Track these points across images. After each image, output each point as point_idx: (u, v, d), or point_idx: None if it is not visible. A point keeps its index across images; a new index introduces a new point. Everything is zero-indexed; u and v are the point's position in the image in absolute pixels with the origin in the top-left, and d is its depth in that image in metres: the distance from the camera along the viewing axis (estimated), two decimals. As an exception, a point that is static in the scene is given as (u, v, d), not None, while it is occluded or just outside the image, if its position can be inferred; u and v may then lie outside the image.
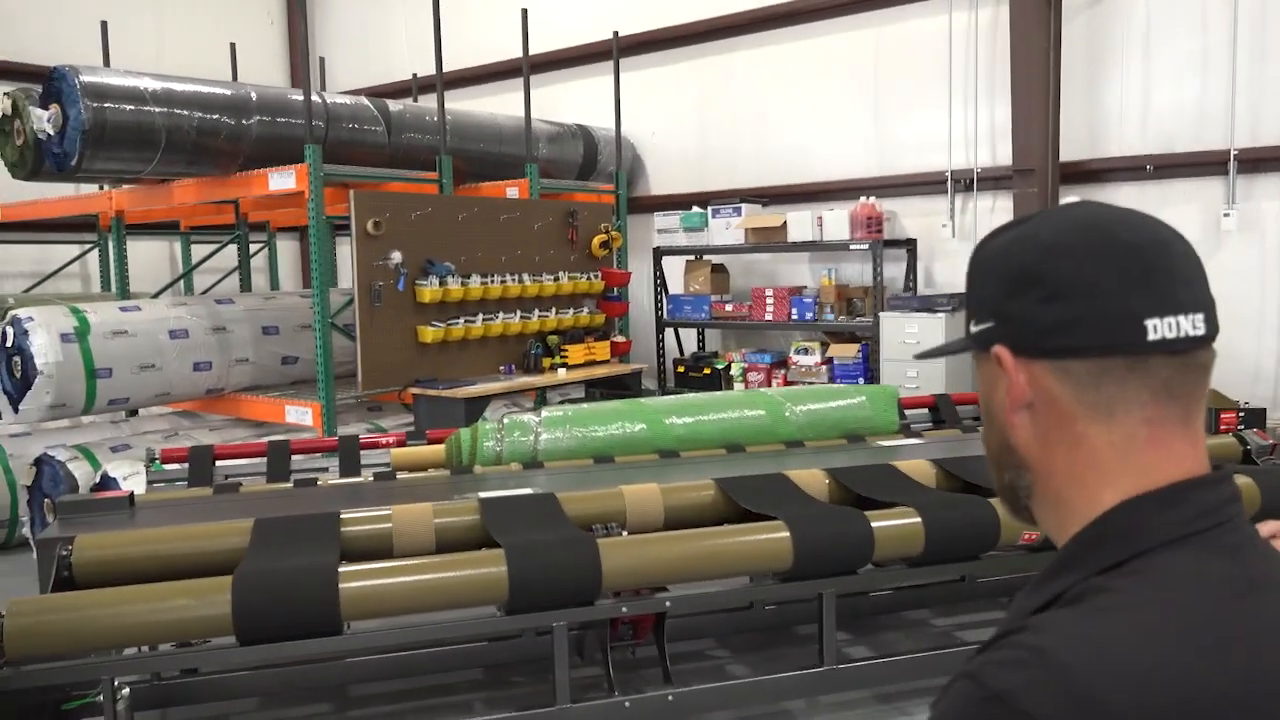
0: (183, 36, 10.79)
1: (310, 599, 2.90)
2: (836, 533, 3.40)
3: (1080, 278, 0.83)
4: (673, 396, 5.05)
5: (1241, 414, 4.87)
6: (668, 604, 3.32)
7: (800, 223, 7.23)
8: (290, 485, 4.24)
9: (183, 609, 2.84)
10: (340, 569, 2.98)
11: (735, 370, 7.74)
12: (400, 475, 4.39)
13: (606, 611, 3.25)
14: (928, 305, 6.68)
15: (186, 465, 4.47)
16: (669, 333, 8.35)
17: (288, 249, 12.56)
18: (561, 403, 7.13)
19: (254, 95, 6.27)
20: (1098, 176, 6.63)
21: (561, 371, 6.97)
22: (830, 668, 3.50)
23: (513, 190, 7.48)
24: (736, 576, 3.40)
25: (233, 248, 8.51)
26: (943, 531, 3.49)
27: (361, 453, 4.71)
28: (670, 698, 3.34)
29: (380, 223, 5.99)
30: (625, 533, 3.74)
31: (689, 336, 8.68)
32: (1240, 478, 3.89)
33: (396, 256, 6.01)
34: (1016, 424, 0.88)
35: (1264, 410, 4.87)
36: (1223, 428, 4.82)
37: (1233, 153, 6.04)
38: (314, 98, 6.31)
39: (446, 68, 10.04)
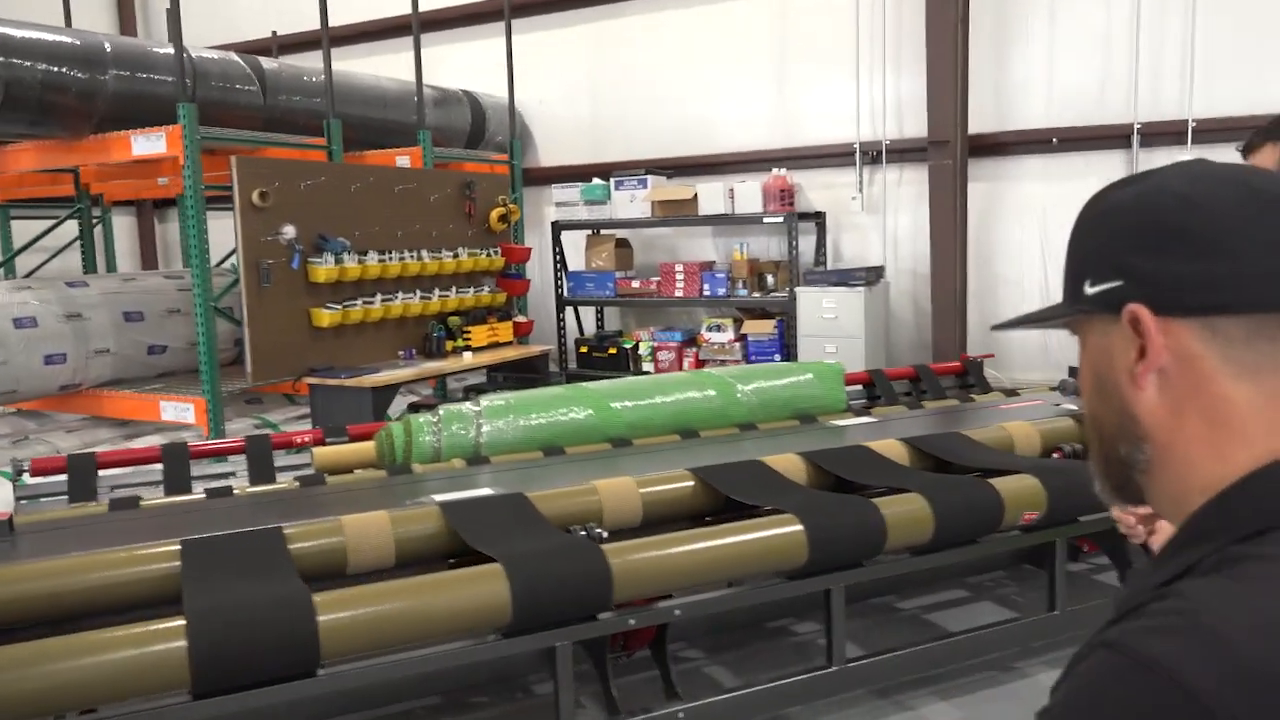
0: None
1: (285, 637, 2.41)
2: (850, 523, 3.16)
3: (1230, 230, 0.79)
4: (615, 380, 4.70)
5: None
6: (677, 612, 3.00)
7: (711, 195, 6.99)
8: (201, 496, 3.65)
9: (125, 661, 2.30)
10: (314, 598, 2.50)
11: (644, 350, 7.44)
12: (329, 479, 3.87)
13: (613, 626, 2.90)
14: (844, 279, 6.57)
15: (65, 477, 3.80)
16: (569, 311, 7.96)
17: (122, 225, 11.35)
18: (469, 389, 6.65)
19: (109, 46, 5.46)
20: (1005, 149, 6.69)
21: (466, 355, 6.48)
22: (841, 667, 3.27)
23: (403, 159, 6.89)
24: (750, 577, 3.09)
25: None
26: (951, 516, 3.31)
27: (274, 454, 4.16)
28: (681, 715, 3.02)
29: (267, 193, 5.34)
30: (605, 533, 3.40)
31: (587, 316, 8.32)
32: None
33: (290, 231, 5.38)
34: (1144, 391, 0.84)
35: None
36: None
37: (1136, 126, 6.19)
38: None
39: (306, 26, 9.25)
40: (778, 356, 6.96)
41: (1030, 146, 6.62)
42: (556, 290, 7.87)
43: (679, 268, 7.29)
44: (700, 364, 7.27)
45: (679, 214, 7.18)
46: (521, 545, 2.89)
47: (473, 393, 6.54)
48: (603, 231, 7.92)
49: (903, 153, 7.05)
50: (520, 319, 7.23)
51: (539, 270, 8.03)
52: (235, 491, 3.69)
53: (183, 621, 2.37)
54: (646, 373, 7.45)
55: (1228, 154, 5.53)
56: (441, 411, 4.22)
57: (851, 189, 7.23)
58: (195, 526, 3.21)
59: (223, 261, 7.70)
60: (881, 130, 7.05)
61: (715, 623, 4.16)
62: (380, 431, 4.19)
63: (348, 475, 3.94)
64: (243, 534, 3.04)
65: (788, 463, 3.83)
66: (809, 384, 4.88)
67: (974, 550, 3.57)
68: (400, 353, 6.37)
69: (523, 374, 6.92)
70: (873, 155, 7.14)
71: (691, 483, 3.64)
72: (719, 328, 7.12)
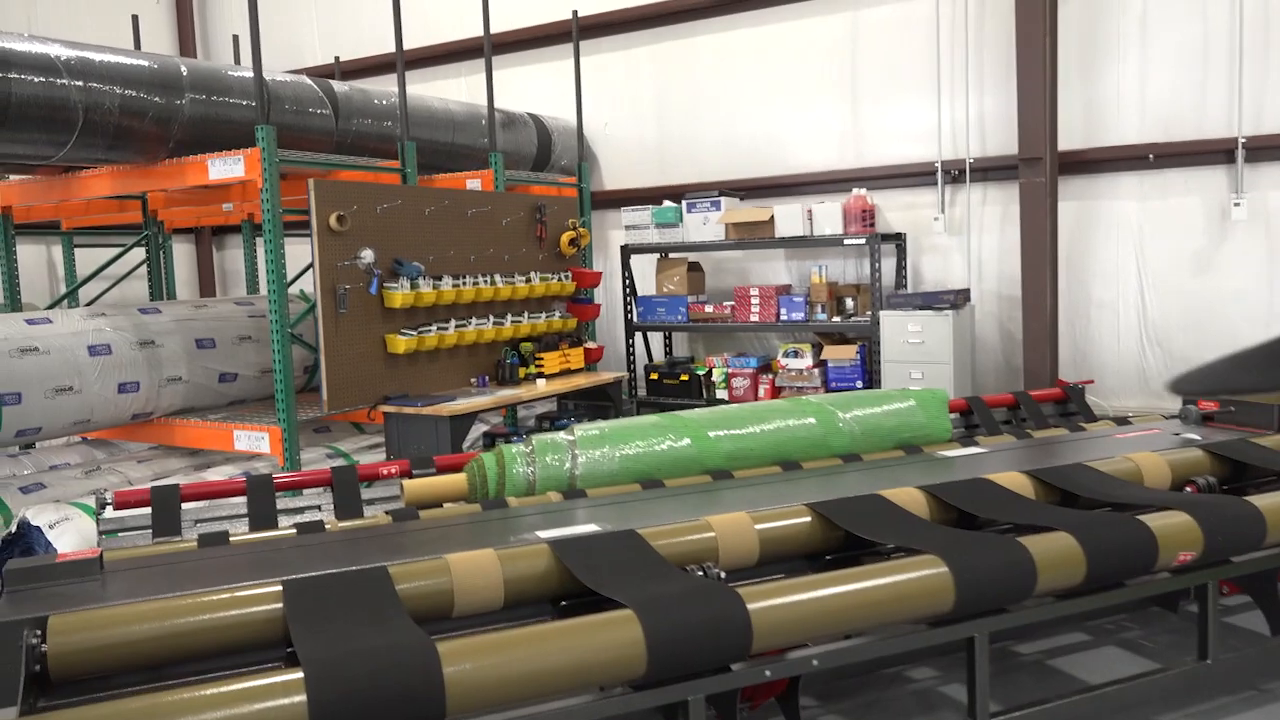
0: (56, 7, 9.55)
1: (411, 690, 2.21)
2: (999, 564, 2.91)
3: None
4: (710, 409, 4.48)
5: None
6: (815, 663, 2.75)
7: (788, 217, 6.78)
8: (291, 531, 3.48)
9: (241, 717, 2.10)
10: (438, 645, 2.30)
11: (717, 376, 7.22)
12: (422, 514, 3.69)
13: (748, 677, 2.66)
14: (930, 302, 6.32)
15: (148, 510, 3.65)
16: (637, 337, 7.77)
17: (180, 253, 11.37)
18: (542, 417, 6.47)
19: (185, 70, 5.38)
20: (1096, 166, 6.42)
21: (540, 382, 6.29)
22: (985, 722, 3.00)
23: (474, 183, 6.76)
24: (892, 623, 2.84)
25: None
26: (1103, 556, 3.04)
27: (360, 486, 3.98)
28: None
29: (345, 217, 5.21)
30: (722, 574, 3.17)
31: (654, 342, 8.12)
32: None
33: (368, 255, 5.24)
34: None
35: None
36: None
37: (1240, 140, 5.89)
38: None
39: (372, 51, 9.23)
40: (860, 383, 6.70)
41: (1124, 164, 6.34)
42: (626, 315, 7.68)
43: (754, 291, 7.07)
44: (777, 390, 7.03)
45: (755, 236, 6.97)
46: (648, 589, 2.67)
47: (546, 421, 6.35)
48: (672, 255, 7.73)
49: (986, 171, 6.80)
50: (591, 345, 7.04)
51: (606, 295, 7.85)
52: (327, 526, 3.52)
53: (300, 674, 2.18)
54: (721, 400, 7.22)
55: None
56: (534, 442, 4.02)
57: (932, 209, 6.98)
58: (290, 564, 3.03)
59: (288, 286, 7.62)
60: (965, 148, 6.81)
61: (826, 671, 3.91)
62: (471, 463, 4.01)
63: (440, 509, 3.76)
64: (347, 574, 2.85)
65: (908, 497, 3.59)
66: (912, 412, 4.63)
67: (1121, 594, 3.30)
68: (473, 380, 6.20)
69: (595, 401, 6.72)
70: (954, 174, 6.90)
71: (809, 518, 3.42)
72: (796, 353, 6.88)
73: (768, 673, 2.67)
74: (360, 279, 5.32)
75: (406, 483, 3.86)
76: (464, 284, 5.96)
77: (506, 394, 5.83)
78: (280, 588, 2.74)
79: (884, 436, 4.54)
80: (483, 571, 2.92)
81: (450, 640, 2.35)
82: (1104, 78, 6.40)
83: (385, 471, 4.08)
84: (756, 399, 7.09)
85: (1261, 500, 3.42)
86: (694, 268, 7.57)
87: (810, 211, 6.74)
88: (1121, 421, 5.08)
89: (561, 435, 4.10)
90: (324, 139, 6.16)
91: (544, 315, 6.72)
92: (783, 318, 6.95)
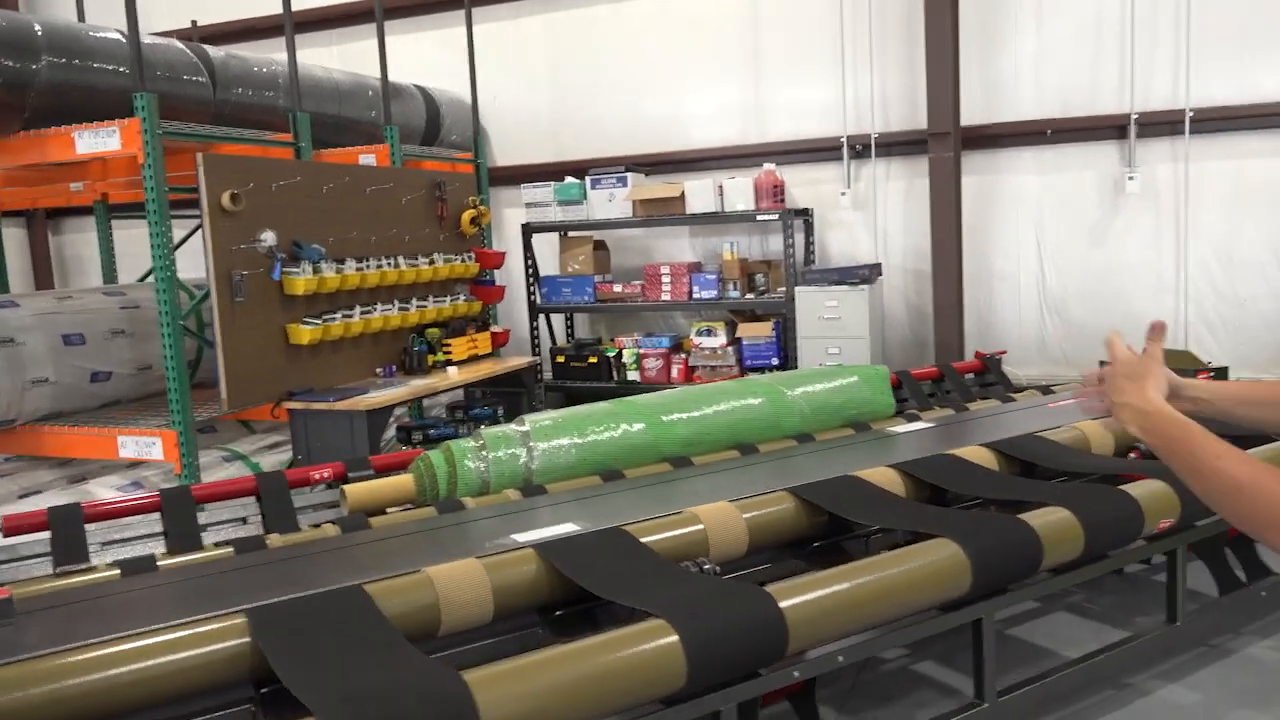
0: None
1: (441, 737, 1.92)
2: (1011, 542, 2.84)
3: None
4: (658, 393, 4.29)
5: (1211, 374, 4.86)
6: (841, 659, 2.61)
7: (699, 193, 6.62)
8: (228, 551, 3.07)
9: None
10: (466, 676, 2.02)
11: (628, 358, 7.01)
12: (372, 521, 3.34)
13: (777, 680, 2.49)
14: (845, 277, 6.31)
15: (46, 536, 3.15)
16: (541, 320, 7.47)
17: (9, 240, 10.24)
18: (452, 408, 6.11)
19: (40, 29, 4.72)
20: (997, 141, 6.55)
21: (452, 370, 5.93)
22: (994, 703, 2.94)
23: (367, 158, 6.29)
24: (913, 611, 2.73)
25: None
26: (1099, 528, 3.03)
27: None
28: (844, 776, 2.64)
29: (239, 195, 4.71)
30: (718, 569, 3.00)
31: (556, 324, 7.83)
32: None
33: (269, 238, 4.76)
34: None
35: (1226, 368, 4.88)
36: (1198, 387, 4.77)
37: (1133, 116, 6.12)
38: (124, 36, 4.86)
39: (233, 15, 8.50)
40: (775, 360, 6.65)
41: (1023, 139, 6.50)
42: (529, 297, 7.37)
43: (665, 270, 6.90)
44: (690, 370, 6.90)
45: (665, 213, 6.79)
46: (671, 594, 2.45)
47: (457, 411, 6.00)
48: (571, 233, 7.47)
49: (890, 146, 6.84)
50: (496, 329, 6.71)
51: (506, 277, 7.50)
52: (268, 542, 3.13)
53: (314, 727, 1.87)
54: (633, 382, 7.03)
55: (1222, 144, 5.50)
56: (485, 435, 3.73)
57: (837, 184, 6.98)
58: (239, 589, 2.65)
59: (146, 275, 6.93)
60: (870, 123, 6.82)
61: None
62: (416, 462, 3.68)
63: (388, 515, 3.42)
64: (319, 597, 2.52)
65: (882, 476, 3.50)
66: (857, 388, 4.57)
67: (1104, 565, 3.31)
68: (378, 370, 5.78)
69: (506, 389, 6.41)
70: (857, 149, 6.91)
71: (792, 504, 3.28)
72: (709, 332, 6.75)
73: (796, 673, 2.51)
74: (258, 264, 4.83)
75: (349, 488, 3.49)
76: (368, 267, 5.53)
77: (421, 384, 5.46)
78: (244, 619, 2.38)
79: (832, 414, 4.46)
80: (469, 583, 2.64)
81: (476, 671, 2.07)
82: (1002, 55, 6.53)
83: (318, 476, 3.69)
84: (670, 380, 6.94)
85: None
86: (599, 246, 7.33)
87: (721, 187, 6.61)
88: (1046, 391, 5.20)
89: (512, 427, 3.82)
90: (200, 110, 5.57)
91: (448, 299, 6.35)
92: (695, 296, 6.81)
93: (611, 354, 7.06)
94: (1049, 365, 6.54)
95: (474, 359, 6.35)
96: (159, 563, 2.96)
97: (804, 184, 7.04)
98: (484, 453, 3.66)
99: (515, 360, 6.45)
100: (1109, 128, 6.28)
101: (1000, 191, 6.63)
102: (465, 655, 2.69)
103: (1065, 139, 6.40)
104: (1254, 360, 5.98)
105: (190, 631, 2.32)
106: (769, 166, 6.64)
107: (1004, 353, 5.79)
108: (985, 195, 6.64)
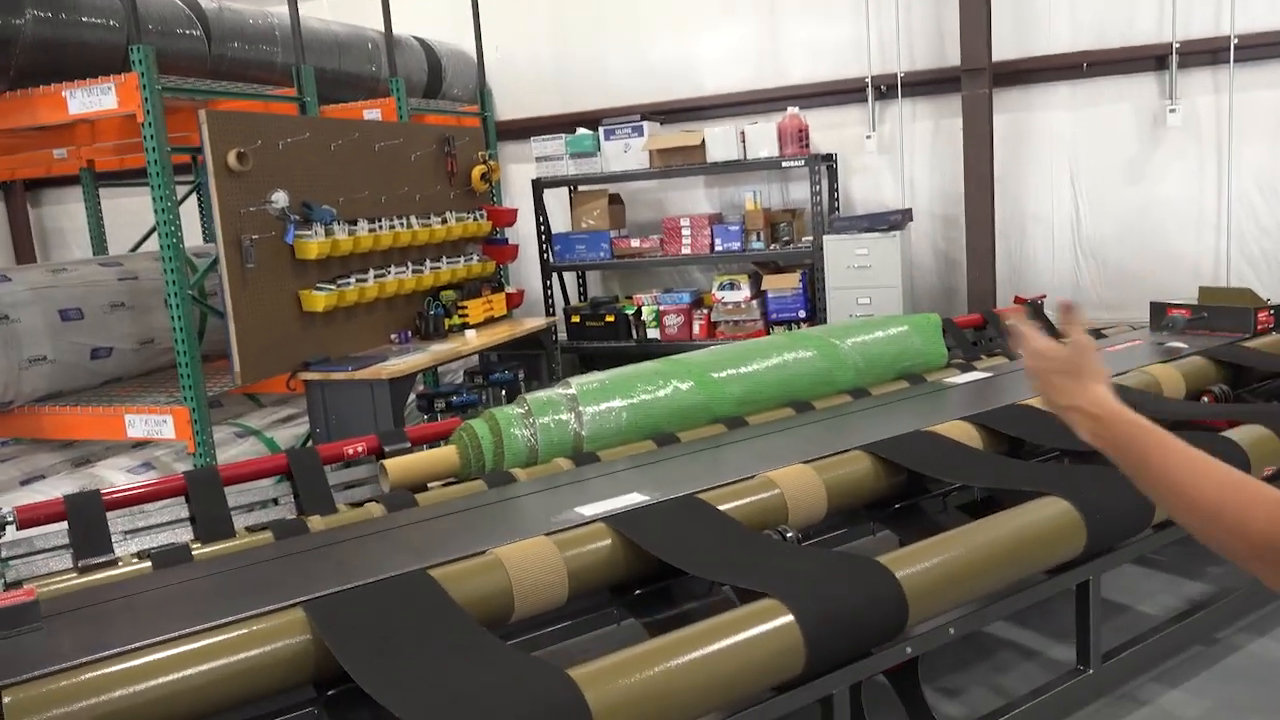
0: None
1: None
2: (1121, 498, 2.62)
3: None
4: (705, 350, 4.05)
5: (1273, 311, 4.65)
6: (952, 631, 2.39)
7: (720, 140, 6.32)
8: (266, 536, 2.83)
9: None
10: (571, 673, 1.79)
11: (647, 315, 6.75)
12: (420, 498, 3.10)
13: (890, 659, 2.28)
14: (875, 224, 6.04)
15: (64, 527, 2.90)
16: (554, 278, 7.19)
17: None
18: (472, 374, 5.85)
19: (20, -20, 4.37)
20: (1030, 77, 6.26)
21: (470, 334, 5.67)
22: (1099, 669, 2.75)
23: (372, 113, 5.97)
24: (1026, 575, 2.51)
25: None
26: (1208, 480, 2.81)
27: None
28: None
29: (245, 154, 4.40)
30: (799, 536, 2.78)
31: (568, 283, 7.54)
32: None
33: (281, 199, 4.46)
34: None
35: (1284, 305, 4.66)
36: (1261, 326, 4.57)
37: (1175, 45, 5.84)
38: (112, -16, 4.52)
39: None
40: (802, 313, 6.40)
41: (1057, 73, 6.21)
42: (541, 255, 7.08)
43: (684, 222, 6.61)
44: (713, 326, 6.65)
45: (686, 163, 6.49)
46: (779, 569, 2.22)
47: (477, 377, 5.74)
48: (583, 188, 7.16)
49: (915, 86, 6.55)
50: (510, 290, 6.44)
51: (516, 235, 7.21)
52: (310, 527, 2.89)
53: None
54: (654, 340, 6.78)
55: (1268, 72, 5.18)
56: (530, 401, 3.48)
57: (861, 127, 6.69)
58: (286, 579, 2.42)
59: (139, 245, 6.62)
60: (895, 62, 6.52)
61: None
62: (458, 432, 3.44)
63: (435, 491, 3.18)
64: (380, 586, 2.28)
65: (959, 430, 3.28)
66: (909, 337, 4.35)
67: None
68: (393, 336, 5.51)
69: (524, 351, 6.15)
70: (882, 90, 6.61)
71: (869, 463, 3.06)
72: (733, 285, 6.49)
73: (909, 649, 2.29)
74: (268, 227, 4.54)
75: (390, 462, 3.25)
76: (380, 229, 5.23)
77: (442, 349, 5.19)
78: (302, 613, 2.15)
79: (886, 366, 4.24)
80: (543, 564, 2.41)
81: (581, 667, 1.84)
82: (1031, -16, 6.21)
83: (352, 451, 3.44)
84: (691, 338, 6.70)
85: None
86: (614, 200, 7.04)
87: (743, 134, 6.31)
88: (1097, 334, 4.98)
89: (558, 391, 3.58)
90: (195, 66, 5.23)
91: (462, 260, 6.07)
92: (718, 248, 6.53)
93: (630, 312, 6.79)
94: (1086, 310, 6.31)
95: (490, 321, 6.09)
96: (195, 554, 2.72)
97: (825, 128, 6.74)
98: (530, 419, 3.42)
99: (532, 322, 6.18)
100: (1148, 58, 5.99)
101: (1033, 130, 6.36)
102: (539, 642, 2.48)
103: (1101, 71, 6.11)
104: (1298, 297, 5.77)
105: (243, 631, 2.09)
106: (793, 110, 6.34)
107: (1044, 297, 5.57)
108: (1017, 134, 6.37)
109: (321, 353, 4.89)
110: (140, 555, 2.75)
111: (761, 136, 6.25)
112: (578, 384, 3.59)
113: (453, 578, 2.33)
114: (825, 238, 6.13)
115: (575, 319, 6.90)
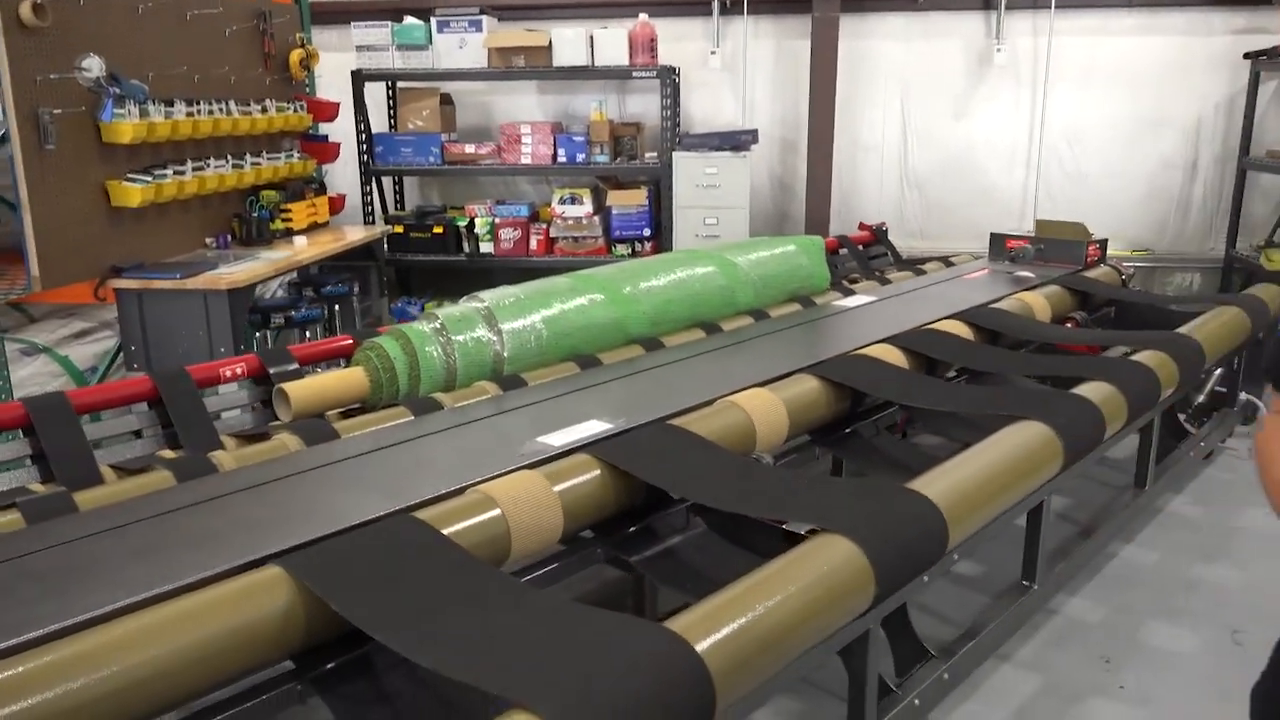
0: None
1: (674, 701, 1.47)
2: (1088, 420, 2.69)
3: None
4: (606, 267, 3.78)
5: (1099, 245, 5.03)
6: (955, 557, 2.37)
7: (568, 43, 5.91)
8: (164, 477, 2.33)
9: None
10: (671, 626, 1.56)
11: (481, 227, 6.30)
12: (340, 428, 2.67)
13: (913, 591, 2.22)
14: (727, 143, 5.94)
15: None
16: (373, 184, 6.52)
17: None
18: (294, 286, 5.22)
19: None
20: (869, 4, 6.33)
21: (299, 240, 5.04)
22: (1042, 586, 2.86)
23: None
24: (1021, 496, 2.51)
25: None
26: (1137, 399, 2.96)
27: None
28: (946, 675, 2.44)
29: (44, 6, 3.56)
30: (772, 459, 2.67)
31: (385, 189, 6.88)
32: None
33: (95, 65, 3.65)
34: None
35: (1106, 240, 5.07)
36: (1090, 259, 4.94)
37: (1004, -15, 6.11)
38: None
39: None
40: (647, 231, 6.23)
41: (894, 3, 6.33)
42: (361, 157, 6.40)
43: (525, 129, 6.19)
44: (551, 242, 6.34)
45: (530, 65, 6.03)
46: (847, 503, 2.06)
47: (306, 289, 5.12)
48: (405, 85, 6.52)
49: (760, 3, 6.45)
50: (332, 194, 5.79)
51: (335, 133, 6.46)
52: (219, 465, 2.42)
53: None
54: (487, 255, 6.37)
55: (1080, 20, 5.50)
56: (443, 317, 3.11)
57: (705, 42, 6.53)
58: (222, 530, 1.99)
59: None
60: (742, -25, 6.37)
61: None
62: (364, 352, 3.02)
63: (359, 420, 2.76)
64: (367, 533, 1.93)
65: (887, 353, 3.28)
66: (798, 257, 4.32)
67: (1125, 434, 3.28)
68: (209, 240, 4.79)
69: (354, 263, 5.57)
70: (726, 4, 6.46)
71: (818, 385, 2.99)
72: (574, 199, 6.19)
73: (925, 578, 2.24)
74: (72, 101, 3.73)
75: (291, 387, 2.77)
76: (199, 113, 4.48)
77: (277, 257, 4.56)
78: (280, 570, 1.76)
79: (779, 287, 4.18)
80: (537, 500, 2.15)
81: (677, 618, 1.61)
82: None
83: (229, 373, 2.92)
84: (529, 253, 6.35)
85: (1189, 330, 3.58)
86: (445, 101, 6.46)
87: (593, 38, 5.95)
88: (947, 263, 5.19)
89: (470, 305, 3.22)
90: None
91: (283, 157, 5.35)
92: (560, 159, 6.18)
93: (462, 223, 6.32)
94: (907, 239, 6.59)
95: (313, 228, 5.45)
96: (79, 502, 2.18)
97: (668, 40, 6.49)
98: (445, 337, 3.05)
99: (364, 231, 5.61)
100: (979, -4, 6.25)
101: (868, 59, 6.47)
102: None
103: (935, 5, 6.30)
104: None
105: (203, 597, 1.68)
106: (644, 18, 6.05)
107: (885, 224, 5.73)
108: (855, 62, 6.45)
109: (132, 257, 4.14)
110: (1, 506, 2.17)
111: (611, 42, 5.93)
112: (490, 298, 3.24)
113: (442, 520, 2.00)
114: (675, 154, 5.96)
115: (399, 229, 6.33)
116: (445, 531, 1.97)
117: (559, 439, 2.48)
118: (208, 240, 4.78)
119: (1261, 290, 4.30)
